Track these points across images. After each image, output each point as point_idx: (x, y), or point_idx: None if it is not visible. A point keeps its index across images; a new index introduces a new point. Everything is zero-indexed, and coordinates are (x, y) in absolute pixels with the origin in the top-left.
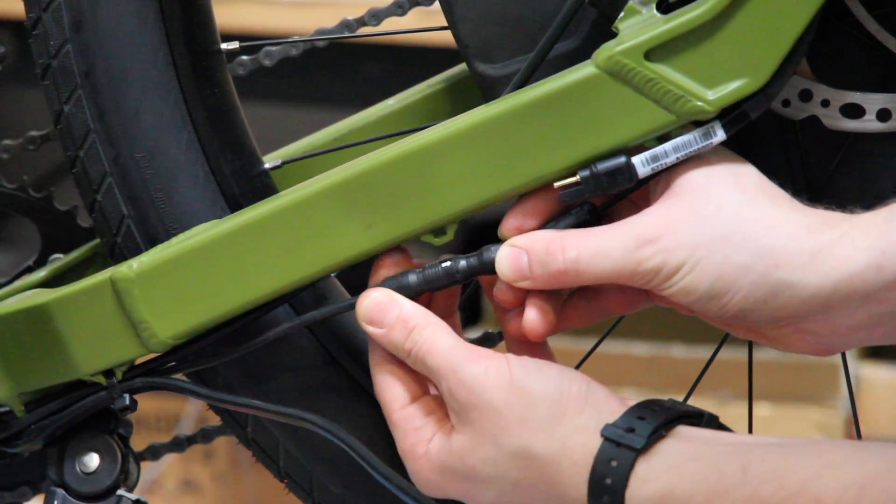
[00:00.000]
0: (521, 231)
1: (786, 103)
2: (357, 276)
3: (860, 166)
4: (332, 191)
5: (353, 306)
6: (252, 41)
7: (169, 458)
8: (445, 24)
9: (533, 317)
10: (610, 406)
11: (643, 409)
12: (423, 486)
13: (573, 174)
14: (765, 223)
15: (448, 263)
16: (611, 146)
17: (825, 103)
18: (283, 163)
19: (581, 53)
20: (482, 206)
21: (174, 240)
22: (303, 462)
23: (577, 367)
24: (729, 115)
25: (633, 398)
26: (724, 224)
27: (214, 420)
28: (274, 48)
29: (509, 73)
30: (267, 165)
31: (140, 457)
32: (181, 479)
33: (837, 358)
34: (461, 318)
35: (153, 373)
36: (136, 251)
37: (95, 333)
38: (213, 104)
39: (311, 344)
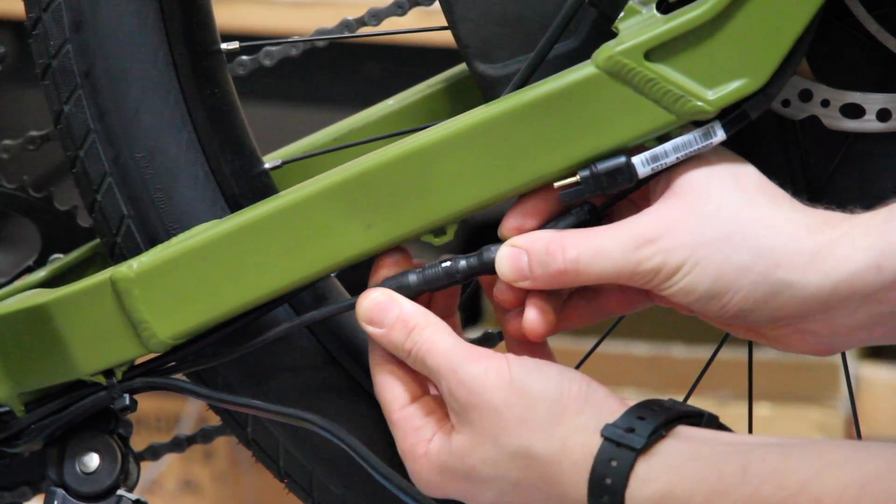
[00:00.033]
0: (521, 231)
1: (786, 103)
2: (357, 276)
3: (860, 166)
4: (332, 191)
5: (353, 306)
6: (252, 41)
7: (169, 458)
8: (445, 24)
9: (533, 317)
10: (610, 406)
11: (643, 409)
12: (423, 486)
13: (573, 174)
14: (765, 223)
15: (448, 263)
16: (611, 146)
17: (825, 103)
18: (283, 163)
19: (581, 53)
20: (482, 206)
21: (174, 240)
22: (303, 462)
23: (577, 367)
24: (729, 115)
25: (633, 398)
26: (724, 224)
27: (214, 420)
28: (274, 48)
29: (509, 73)
30: (267, 165)
31: (140, 457)
32: (181, 479)
33: (837, 358)
34: (461, 318)
35: (153, 373)
36: (136, 251)
37: (95, 333)
38: (213, 104)
39: (311, 344)
